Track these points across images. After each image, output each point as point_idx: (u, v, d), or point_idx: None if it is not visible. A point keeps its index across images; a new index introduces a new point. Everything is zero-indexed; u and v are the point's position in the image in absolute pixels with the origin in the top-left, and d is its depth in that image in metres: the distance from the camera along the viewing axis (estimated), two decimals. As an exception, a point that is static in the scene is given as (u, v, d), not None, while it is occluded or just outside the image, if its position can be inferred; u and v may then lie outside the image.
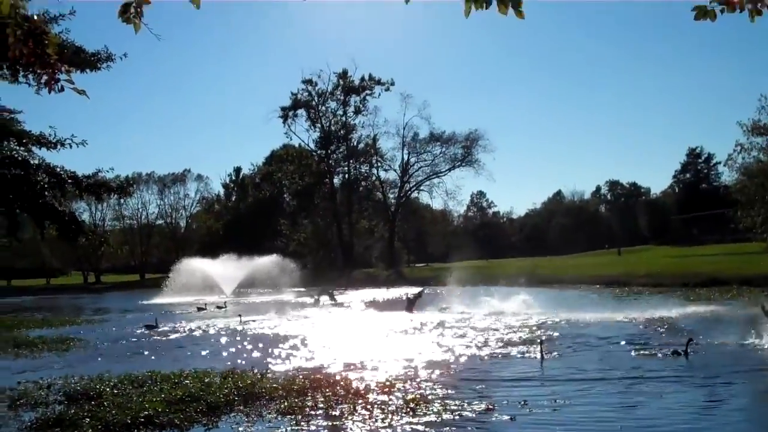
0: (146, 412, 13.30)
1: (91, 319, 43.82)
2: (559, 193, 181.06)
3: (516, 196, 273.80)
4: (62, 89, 5.31)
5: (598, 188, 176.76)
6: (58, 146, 17.73)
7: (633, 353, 20.34)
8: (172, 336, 31.43)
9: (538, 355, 20.30)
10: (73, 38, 18.14)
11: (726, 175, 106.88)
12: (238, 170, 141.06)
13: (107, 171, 18.92)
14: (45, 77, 5.29)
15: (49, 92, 5.30)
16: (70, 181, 18.00)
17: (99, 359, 23.46)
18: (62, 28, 17.99)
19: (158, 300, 62.71)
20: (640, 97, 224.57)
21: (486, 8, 5.16)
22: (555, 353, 20.95)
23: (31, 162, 17.52)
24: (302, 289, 73.87)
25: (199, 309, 47.53)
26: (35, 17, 5.14)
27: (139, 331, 33.48)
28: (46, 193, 17.61)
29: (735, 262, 55.36)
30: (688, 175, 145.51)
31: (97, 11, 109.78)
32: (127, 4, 5.16)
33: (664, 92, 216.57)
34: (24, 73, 16.70)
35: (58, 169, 17.84)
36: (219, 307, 48.36)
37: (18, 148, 17.54)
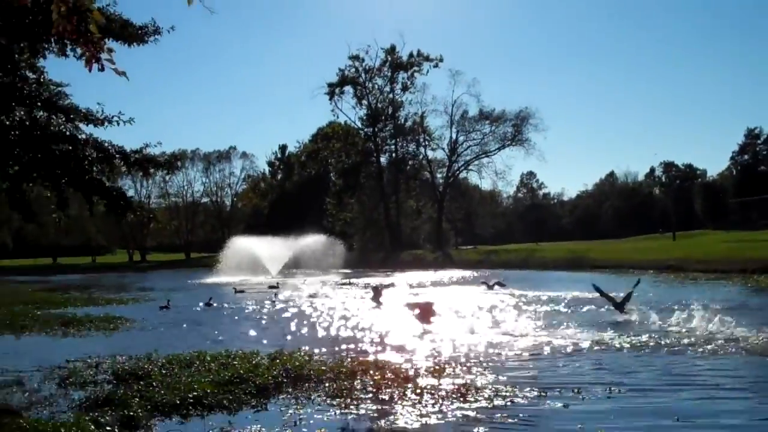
0: (195, 393, 13.36)
1: (137, 297, 44.36)
2: (612, 175, 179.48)
3: (567, 177, 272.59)
4: (103, 68, 5.26)
5: (653, 170, 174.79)
6: (106, 123, 17.82)
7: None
8: (221, 314, 31.88)
9: (600, 346, 19.98)
10: (120, 11, 18.13)
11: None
12: (283, 148, 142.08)
13: (154, 146, 18.96)
14: (87, 55, 5.25)
15: (89, 70, 5.26)
16: (117, 156, 18.05)
17: (146, 338, 23.72)
18: (109, 1, 17.97)
19: (209, 279, 63.14)
20: (697, 75, 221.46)
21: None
22: (620, 342, 20.61)
23: (79, 137, 17.63)
24: (348, 271, 74.08)
25: (271, 287, 48.22)
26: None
27: (198, 308, 34.64)
28: (94, 168, 17.73)
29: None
30: (746, 157, 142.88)
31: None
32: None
33: (722, 70, 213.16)
34: (72, 47, 16.81)
35: (106, 144, 17.89)
36: (272, 287, 48.81)
37: (66, 123, 17.66)
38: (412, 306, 27.59)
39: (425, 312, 26.13)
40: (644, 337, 20.80)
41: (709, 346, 19.08)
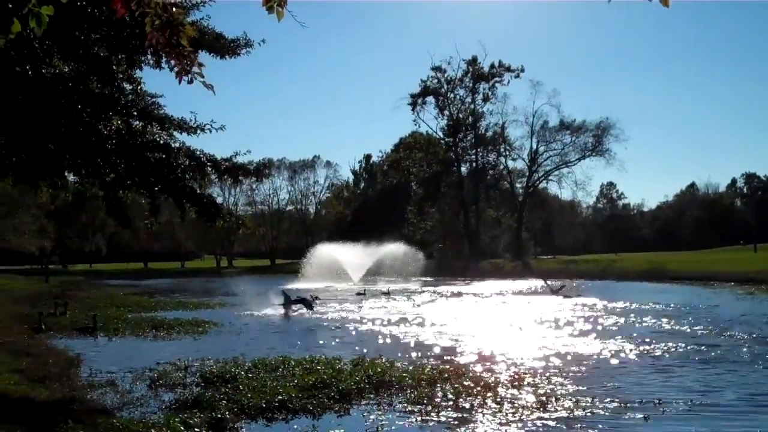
0: (280, 397, 13.50)
1: (224, 302, 44.87)
2: (692, 186, 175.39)
3: (647, 188, 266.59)
4: (192, 81, 5.34)
5: (734, 181, 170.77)
6: (198, 131, 18.16)
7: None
8: (302, 320, 32.08)
9: (684, 359, 19.43)
10: (213, 25, 18.50)
11: None
12: (368, 157, 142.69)
13: (243, 154, 19.25)
14: (178, 67, 5.33)
15: (179, 82, 5.33)
16: (209, 164, 18.40)
17: (232, 342, 24.06)
18: (203, 15, 18.37)
19: (293, 285, 63.28)
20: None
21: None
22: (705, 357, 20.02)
23: (172, 146, 18.01)
24: (428, 278, 73.81)
25: (358, 294, 48.51)
26: (174, 8, 5.17)
27: (281, 313, 35.03)
28: (187, 175, 18.08)
29: None
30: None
31: None
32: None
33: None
34: (166, 59, 17.18)
35: (198, 153, 18.24)
36: (359, 294, 48.87)
37: (160, 132, 18.06)
38: (293, 301, 34.86)
39: (304, 303, 33.90)
40: (731, 354, 20.15)
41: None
